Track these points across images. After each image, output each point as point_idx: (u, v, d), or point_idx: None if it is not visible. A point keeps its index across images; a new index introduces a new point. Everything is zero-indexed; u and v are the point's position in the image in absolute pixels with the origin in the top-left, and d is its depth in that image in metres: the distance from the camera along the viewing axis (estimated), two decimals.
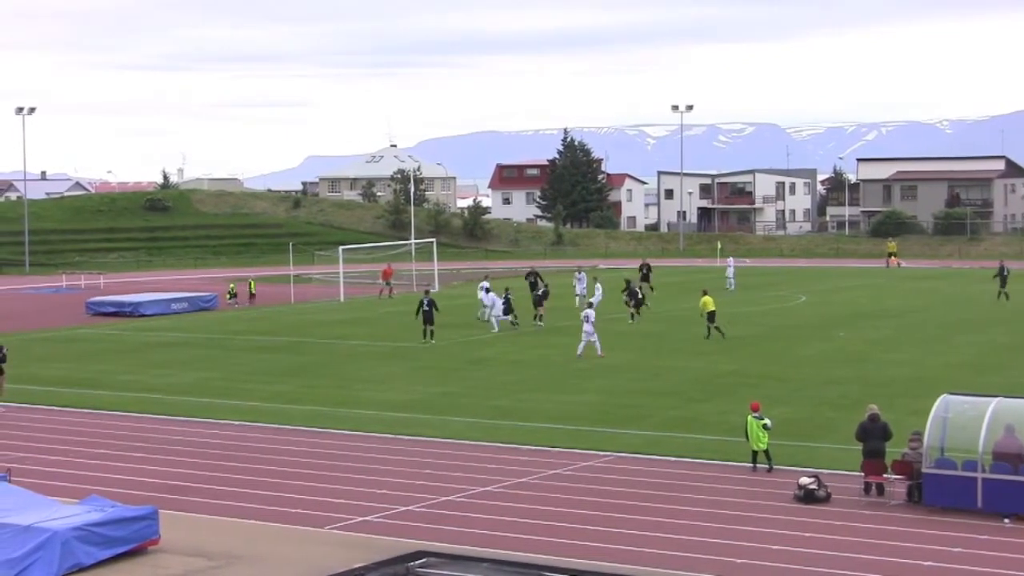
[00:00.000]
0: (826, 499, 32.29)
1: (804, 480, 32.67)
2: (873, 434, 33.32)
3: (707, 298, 64.49)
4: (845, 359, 56.15)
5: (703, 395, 47.81)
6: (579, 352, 57.57)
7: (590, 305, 61.70)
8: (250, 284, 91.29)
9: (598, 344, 57.70)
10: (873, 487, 32.92)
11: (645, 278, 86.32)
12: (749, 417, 35.63)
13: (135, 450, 40.01)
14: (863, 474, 33.16)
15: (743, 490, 33.62)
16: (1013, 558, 27.62)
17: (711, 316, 63.24)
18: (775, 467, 35.37)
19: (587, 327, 57.78)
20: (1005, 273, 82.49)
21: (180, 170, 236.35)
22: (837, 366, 54.09)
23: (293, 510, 32.24)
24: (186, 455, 39.12)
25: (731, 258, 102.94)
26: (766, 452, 35.52)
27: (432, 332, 64.22)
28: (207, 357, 60.87)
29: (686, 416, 43.68)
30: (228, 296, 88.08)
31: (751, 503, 32.35)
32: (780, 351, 59.11)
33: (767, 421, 35.50)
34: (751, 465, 35.70)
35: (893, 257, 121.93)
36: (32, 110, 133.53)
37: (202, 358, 60.54)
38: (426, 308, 65.01)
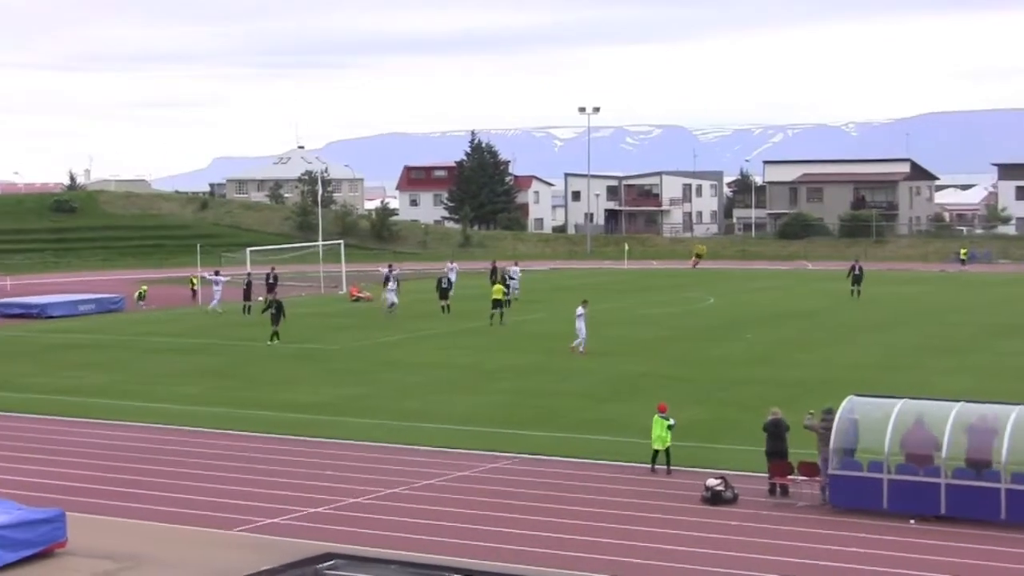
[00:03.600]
0: (733, 500, 32.50)
1: (711, 482, 32.86)
2: (776, 435, 33.65)
3: (497, 286, 74.17)
4: (753, 360, 56.60)
5: (612, 396, 48.02)
6: (581, 349, 59.01)
7: (584, 303, 61.15)
8: (191, 281, 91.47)
9: (583, 343, 59.14)
10: (778, 488, 33.19)
11: (501, 279, 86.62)
12: (656, 417, 35.81)
13: (40, 452, 39.62)
14: (768, 475, 33.43)
15: (650, 491, 33.78)
16: (917, 559, 27.92)
17: (496, 303, 71.19)
18: (675, 468, 35.56)
19: (579, 324, 59.22)
20: (858, 272, 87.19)
21: (87, 171, 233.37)
22: (745, 367, 54.52)
23: (201, 512, 32.07)
24: (92, 457, 38.81)
25: (516, 268, 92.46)
26: (667, 452, 35.70)
27: (277, 334, 64.64)
28: (115, 359, 60.39)
29: (596, 417, 43.85)
30: (137, 298, 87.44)
31: (658, 504, 32.52)
32: (689, 352, 59.47)
33: (671, 421, 35.71)
34: (650, 466, 35.89)
35: (697, 258, 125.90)
36: None
37: (110, 360, 60.05)
38: (274, 311, 65.13)
